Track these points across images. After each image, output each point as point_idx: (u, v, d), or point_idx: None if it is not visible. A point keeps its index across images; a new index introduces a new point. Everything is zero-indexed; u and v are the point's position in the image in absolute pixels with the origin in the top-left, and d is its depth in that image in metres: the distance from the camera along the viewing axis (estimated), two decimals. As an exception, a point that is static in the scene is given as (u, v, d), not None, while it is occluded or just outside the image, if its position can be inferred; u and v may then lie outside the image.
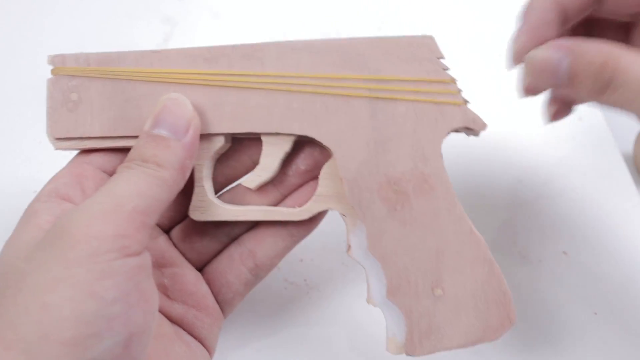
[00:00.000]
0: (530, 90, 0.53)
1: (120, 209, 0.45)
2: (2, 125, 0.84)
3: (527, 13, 0.54)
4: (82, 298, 0.41)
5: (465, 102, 0.53)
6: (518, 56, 0.53)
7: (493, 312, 0.53)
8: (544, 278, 0.72)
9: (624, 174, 0.81)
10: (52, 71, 0.56)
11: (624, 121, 0.85)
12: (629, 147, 0.86)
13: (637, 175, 0.83)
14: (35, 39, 0.94)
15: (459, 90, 0.53)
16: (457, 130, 0.54)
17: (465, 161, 0.80)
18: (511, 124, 0.84)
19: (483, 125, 0.53)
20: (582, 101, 0.54)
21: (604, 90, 0.47)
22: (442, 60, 0.53)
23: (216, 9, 1.00)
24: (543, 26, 0.53)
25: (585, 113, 0.86)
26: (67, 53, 0.56)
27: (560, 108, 0.61)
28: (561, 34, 0.54)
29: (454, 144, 0.76)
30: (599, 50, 0.47)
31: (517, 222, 0.77)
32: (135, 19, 0.97)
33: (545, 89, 0.52)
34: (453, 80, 0.53)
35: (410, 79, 0.53)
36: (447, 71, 0.53)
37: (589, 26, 0.59)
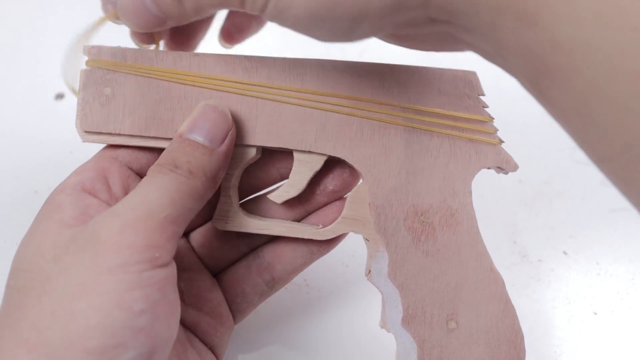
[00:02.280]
0: (140, 37, 0.55)
1: (152, 217, 0.44)
2: (2, 126, 0.82)
3: None
4: (110, 308, 0.41)
5: (501, 142, 0.54)
6: (108, 8, 0.53)
7: (503, 350, 0.54)
8: (544, 278, 0.72)
9: None
10: (87, 63, 0.55)
11: None
12: None
13: None
14: (36, 39, 0.93)
15: (496, 130, 0.54)
16: (488, 168, 0.54)
17: None
18: (511, 124, 0.82)
19: (515, 167, 0.54)
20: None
21: (181, 3, 0.48)
22: (482, 97, 0.54)
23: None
24: None
25: None
26: (104, 45, 0.55)
27: (227, 28, 0.62)
28: None
29: None
30: None
31: (517, 222, 0.77)
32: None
33: (150, 26, 0.51)
34: (491, 119, 0.54)
35: (448, 114, 0.53)
36: (486, 109, 0.54)
37: None
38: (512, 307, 0.54)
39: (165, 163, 0.48)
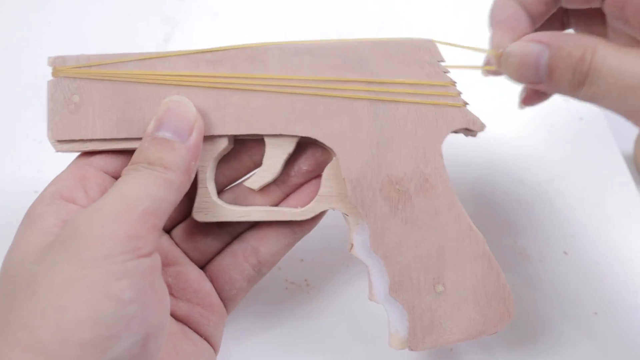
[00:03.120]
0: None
1: (131, 210, 0.45)
2: (2, 126, 0.83)
3: (493, 11, 0.56)
4: (99, 299, 0.41)
5: (465, 104, 0.55)
6: (496, 48, 0.54)
7: (493, 306, 0.54)
8: (544, 278, 0.72)
9: (624, 174, 0.81)
10: (53, 73, 0.56)
11: (624, 121, 0.87)
12: (629, 147, 0.88)
13: (637, 175, 0.85)
14: (36, 39, 0.93)
15: (459, 93, 0.54)
16: (456, 131, 0.55)
17: (466, 161, 0.81)
18: (511, 124, 0.85)
19: (482, 127, 0.55)
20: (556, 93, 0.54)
21: (582, 84, 0.48)
22: (442, 64, 0.55)
23: (216, 9, 1.00)
24: (513, 21, 0.54)
25: (586, 113, 0.87)
26: (67, 54, 0.56)
27: (532, 93, 0.63)
28: (536, 30, 0.55)
29: (454, 144, 0.76)
30: (576, 43, 0.47)
31: (517, 222, 0.77)
32: (135, 19, 0.97)
33: (528, 81, 0.51)
34: (453, 83, 0.54)
35: (411, 82, 0.54)
36: (447, 74, 0.54)
37: (565, 18, 0.60)
38: (496, 263, 0.55)
39: (139, 162, 0.50)
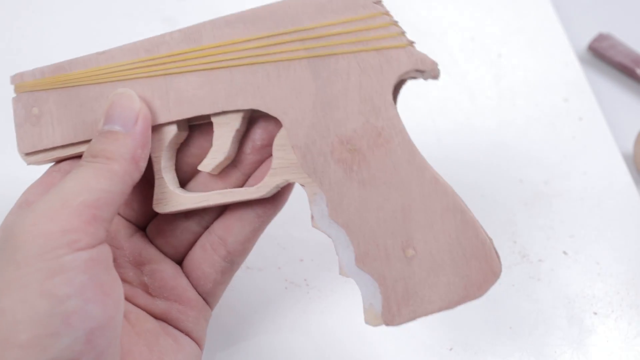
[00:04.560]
0: None
1: (66, 204, 0.44)
2: (2, 125, 0.82)
3: None
4: (33, 298, 0.40)
5: (410, 43, 0.49)
6: None
7: (473, 266, 0.47)
8: (544, 278, 0.71)
9: (624, 174, 0.80)
10: (15, 90, 0.56)
11: (624, 121, 0.84)
12: (629, 147, 0.86)
13: (637, 175, 0.84)
14: (35, 39, 0.95)
15: (402, 32, 0.49)
16: (409, 76, 0.49)
17: (466, 161, 0.79)
18: (511, 124, 0.83)
19: (432, 64, 0.48)
20: None
21: None
22: (380, 5, 0.49)
23: (216, 9, 0.97)
24: None
25: (585, 113, 0.86)
26: (24, 70, 0.56)
27: None
28: None
29: (455, 144, 0.76)
30: None
31: (517, 222, 0.76)
32: (135, 19, 0.98)
33: None
34: (394, 23, 0.49)
35: (348, 30, 0.49)
36: (386, 15, 0.49)
37: None
38: (471, 216, 0.48)
39: (84, 158, 0.49)
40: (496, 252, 0.48)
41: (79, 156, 0.56)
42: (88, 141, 0.54)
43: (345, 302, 0.68)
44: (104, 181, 0.46)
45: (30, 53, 0.94)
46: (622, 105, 0.94)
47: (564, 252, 0.73)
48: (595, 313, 0.68)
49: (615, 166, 0.81)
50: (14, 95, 0.57)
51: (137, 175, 0.50)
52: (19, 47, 0.95)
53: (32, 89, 0.56)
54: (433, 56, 0.49)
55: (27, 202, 0.53)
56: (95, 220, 0.44)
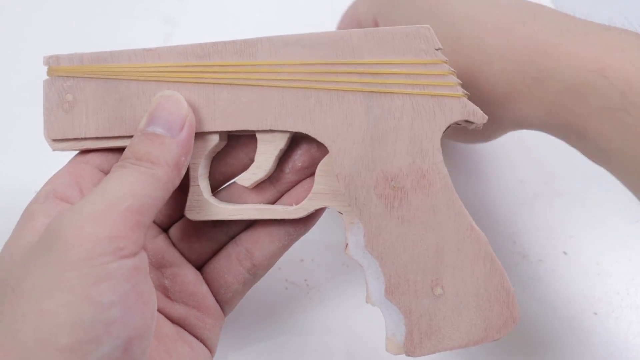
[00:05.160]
0: None
1: (113, 209, 0.43)
2: (2, 125, 0.83)
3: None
4: (78, 303, 0.40)
5: (465, 94, 0.50)
6: None
7: (495, 311, 0.50)
8: (544, 278, 0.70)
9: None
10: (48, 72, 0.54)
11: None
12: None
13: None
14: (35, 39, 0.93)
15: (458, 83, 0.50)
16: (457, 124, 0.51)
17: (466, 161, 0.79)
18: None
19: (483, 118, 0.50)
20: None
21: None
22: (440, 52, 0.50)
23: (216, 9, 0.98)
24: None
25: None
26: (61, 54, 0.54)
27: None
28: None
29: (453, 144, 0.75)
30: None
31: (517, 222, 0.75)
32: (135, 19, 0.96)
33: None
34: (452, 72, 0.50)
35: (406, 72, 0.50)
36: (445, 63, 0.50)
37: None
38: (499, 265, 0.50)
39: (126, 157, 0.48)
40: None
41: (107, 149, 0.55)
42: (122, 137, 0.54)
43: (346, 302, 0.68)
44: (148, 187, 0.46)
45: (29, 53, 0.90)
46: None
47: (564, 252, 0.72)
48: (595, 313, 0.68)
49: None
50: (45, 77, 0.55)
51: (177, 182, 0.49)
52: (18, 47, 0.92)
53: (67, 74, 0.54)
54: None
55: (54, 191, 0.51)
56: (138, 226, 0.44)
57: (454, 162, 0.79)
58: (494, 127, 0.60)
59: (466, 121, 0.51)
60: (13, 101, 0.85)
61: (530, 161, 0.80)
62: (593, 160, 0.57)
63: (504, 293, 0.50)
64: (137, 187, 0.45)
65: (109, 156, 0.55)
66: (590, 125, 0.52)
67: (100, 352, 0.40)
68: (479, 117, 0.50)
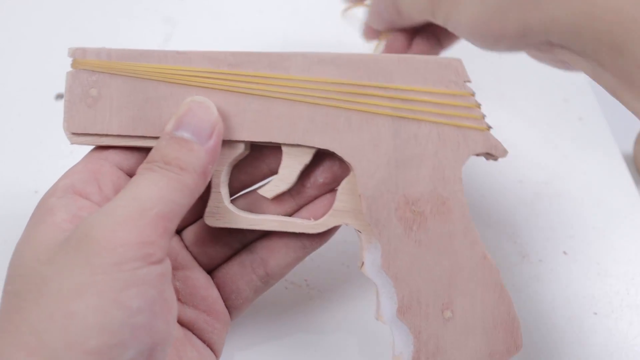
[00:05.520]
0: (369, 34, 0.69)
1: (144, 214, 0.43)
2: (2, 125, 0.81)
3: None
4: (107, 307, 0.40)
5: (489, 127, 0.52)
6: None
7: (500, 337, 0.52)
8: (544, 278, 0.71)
9: (624, 174, 0.80)
10: (72, 64, 0.54)
11: (624, 121, 0.85)
12: (629, 147, 0.87)
13: (637, 175, 0.84)
14: (35, 39, 0.91)
15: (483, 116, 0.52)
16: (477, 155, 0.53)
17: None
18: (511, 124, 0.83)
19: (504, 152, 0.52)
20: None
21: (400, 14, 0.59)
22: (468, 84, 0.52)
23: (216, 9, 0.98)
24: None
25: (586, 113, 0.86)
26: (88, 47, 0.54)
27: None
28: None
29: None
30: None
31: (517, 222, 0.75)
32: (135, 19, 0.95)
33: (381, 28, 0.66)
34: (478, 105, 0.52)
35: (435, 101, 0.51)
36: (473, 96, 0.52)
37: None
38: (507, 294, 0.52)
39: (154, 161, 0.47)
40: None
41: (126, 147, 0.54)
42: (145, 137, 0.53)
43: (346, 302, 0.68)
44: (176, 193, 0.46)
45: (29, 53, 0.89)
46: (622, 105, 0.92)
47: (564, 252, 0.73)
48: (595, 313, 0.68)
49: (615, 166, 0.81)
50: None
51: (203, 189, 0.49)
52: (19, 47, 0.90)
53: (93, 68, 0.53)
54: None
55: (73, 187, 0.50)
56: (166, 233, 0.44)
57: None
58: (514, 32, 0.51)
59: (488, 154, 0.52)
60: (13, 101, 0.83)
61: (530, 161, 0.81)
62: (618, 93, 0.48)
63: (509, 321, 0.52)
64: (166, 192, 0.45)
65: (128, 155, 0.54)
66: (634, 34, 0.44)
67: (125, 357, 0.40)
68: (500, 151, 0.52)
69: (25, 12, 0.95)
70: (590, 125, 0.85)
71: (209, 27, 0.95)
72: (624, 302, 0.69)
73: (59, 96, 0.80)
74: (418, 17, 0.59)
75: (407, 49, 0.67)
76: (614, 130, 0.85)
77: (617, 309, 0.69)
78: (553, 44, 0.49)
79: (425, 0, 0.56)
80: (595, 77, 0.48)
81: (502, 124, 0.81)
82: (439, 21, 0.57)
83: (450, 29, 0.56)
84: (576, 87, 0.90)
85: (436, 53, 0.68)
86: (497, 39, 0.52)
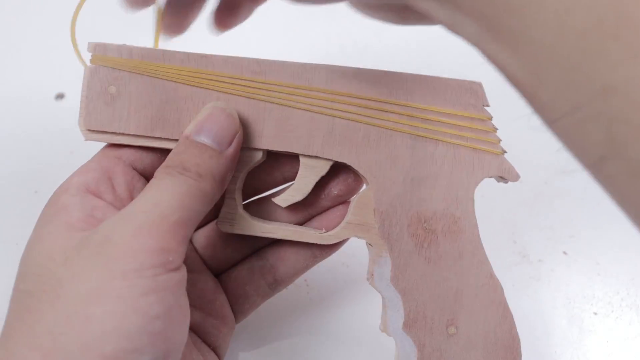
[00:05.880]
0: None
1: (164, 220, 0.43)
2: (2, 125, 0.80)
3: None
4: (126, 313, 0.40)
5: (504, 152, 0.53)
6: None
7: (500, 355, 0.53)
8: (544, 278, 0.71)
9: None
10: (92, 60, 0.53)
11: None
12: None
13: None
14: (35, 39, 0.90)
15: (499, 140, 0.53)
16: (490, 177, 0.54)
17: None
18: (511, 124, 0.82)
19: (516, 177, 0.53)
20: None
21: None
22: (487, 108, 0.53)
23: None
24: None
25: None
26: (109, 42, 0.53)
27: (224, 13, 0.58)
28: None
29: None
30: None
31: (517, 222, 0.76)
32: (136, 19, 0.93)
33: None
34: (495, 130, 0.53)
35: (454, 123, 0.52)
36: (490, 120, 0.53)
37: None
38: (510, 313, 0.54)
39: (174, 165, 0.47)
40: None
41: (140, 147, 0.53)
42: (162, 139, 0.53)
43: (346, 302, 0.69)
44: (194, 200, 0.45)
45: (29, 52, 0.87)
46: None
47: (564, 252, 0.73)
48: (595, 313, 0.69)
49: None
50: (89, 64, 0.52)
51: (219, 196, 0.49)
52: (18, 46, 0.89)
53: (114, 65, 0.52)
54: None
55: (87, 185, 0.49)
56: (184, 240, 0.44)
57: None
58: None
59: (501, 177, 0.54)
60: (13, 101, 0.82)
61: (530, 161, 0.79)
62: (482, 43, 0.39)
63: (510, 339, 0.54)
64: (186, 199, 0.45)
65: (143, 155, 0.54)
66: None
67: None
68: (513, 176, 0.54)
69: (25, 12, 0.94)
70: (590, 125, 0.84)
71: (208, 27, 0.94)
72: (624, 302, 0.70)
73: (59, 96, 0.80)
74: None
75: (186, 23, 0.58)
76: (613, 131, 0.84)
77: (617, 309, 0.69)
78: None
79: None
80: (452, 27, 0.40)
81: (502, 123, 0.80)
82: None
83: None
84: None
85: None
86: None
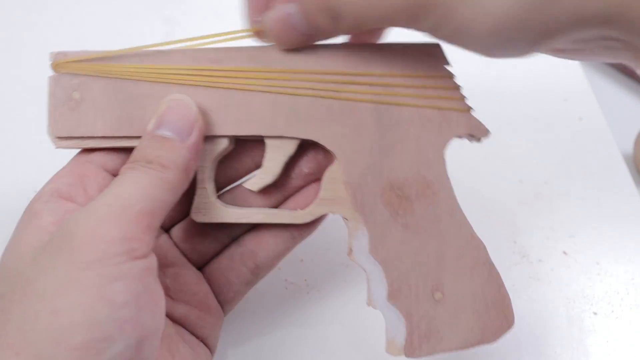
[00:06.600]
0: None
1: (126, 210, 0.43)
2: (2, 125, 0.82)
3: None
4: (92, 302, 0.40)
5: (469, 108, 0.52)
6: (255, 25, 0.52)
7: (492, 315, 0.52)
8: (544, 278, 0.71)
9: (624, 174, 0.80)
10: (54, 68, 0.54)
11: (624, 121, 0.84)
12: (629, 147, 0.86)
13: (637, 175, 0.84)
14: (35, 39, 0.92)
15: (464, 97, 0.52)
16: (460, 136, 0.53)
17: (466, 161, 0.78)
18: (511, 124, 0.83)
19: (486, 132, 0.52)
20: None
21: (337, 20, 0.46)
22: (448, 67, 0.52)
23: (216, 9, 0.98)
24: None
25: (585, 113, 0.86)
26: (69, 50, 0.54)
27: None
28: None
29: (455, 144, 0.76)
30: None
31: (517, 222, 0.75)
32: (135, 19, 0.96)
33: (297, 43, 0.51)
34: (458, 87, 0.52)
35: (415, 85, 0.52)
36: (452, 78, 0.52)
37: None
38: (497, 272, 0.53)
39: (137, 160, 0.48)
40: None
41: (112, 148, 0.54)
42: (129, 137, 0.53)
43: (345, 302, 0.68)
44: (158, 190, 0.46)
45: (29, 52, 0.90)
46: (622, 105, 0.93)
47: (564, 252, 0.73)
48: (595, 313, 0.68)
49: (615, 166, 0.81)
50: (51, 73, 0.53)
51: (186, 185, 0.49)
52: (19, 46, 0.91)
53: (75, 71, 0.53)
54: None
55: (59, 191, 0.50)
56: (149, 229, 0.45)
57: (455, 162, 0.78)
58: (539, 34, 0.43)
59: (469, 134, 0.53)
60: (13, 101, 0.84)
61: (530, 161, 0.81)
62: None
63: (500, 299, 0.52)
64: (149, 190, 0.46)
65: (113, 155, 0.54)
66: None
67: (113, 351, 0.40)
68: (483, 131, 0.53)
69: (25, 12, 0.96)
70: (590, 125, 0.85)
71: (208, 27, 0.94)
72: (624, 302, 0.69)
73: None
74: (374, 23, 0.47)
75: None
76: (613, 130, 0.84)
77: (617, 309, 0.69)
78: (609, 38, 0.43)
79: (399, 3, 0.44)
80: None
81: (502, 124, 0.82)
82: (422, 27, 0.45)
83: (439, 36, 0.45)
84: (576, 87, 0.89)
85: None
86: (541, 38, 0.42)
